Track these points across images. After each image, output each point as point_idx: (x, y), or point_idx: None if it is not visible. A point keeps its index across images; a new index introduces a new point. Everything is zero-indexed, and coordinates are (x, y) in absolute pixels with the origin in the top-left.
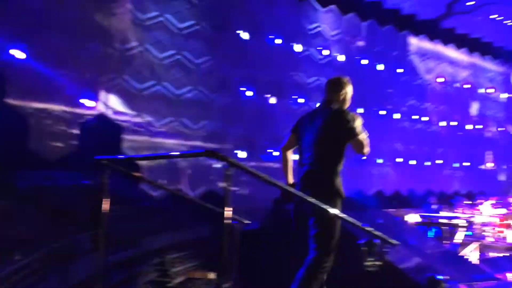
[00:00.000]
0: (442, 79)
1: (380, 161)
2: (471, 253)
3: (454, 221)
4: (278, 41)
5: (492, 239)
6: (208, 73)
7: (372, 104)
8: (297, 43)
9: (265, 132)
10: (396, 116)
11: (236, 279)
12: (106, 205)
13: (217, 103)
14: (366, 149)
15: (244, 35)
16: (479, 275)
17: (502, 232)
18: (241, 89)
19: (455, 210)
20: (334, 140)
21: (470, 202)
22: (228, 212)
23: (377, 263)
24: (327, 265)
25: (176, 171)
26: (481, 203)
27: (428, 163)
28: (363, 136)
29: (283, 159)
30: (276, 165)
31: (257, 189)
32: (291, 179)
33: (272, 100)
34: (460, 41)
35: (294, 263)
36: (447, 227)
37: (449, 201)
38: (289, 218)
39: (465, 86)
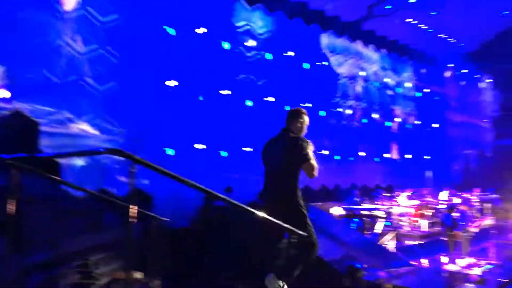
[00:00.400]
0: (363, 75)
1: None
2: (389, 242)
3: (374, 213)
4: (204, 35)
5: (408, 228)
6: (132, 68)
7: (300, 101)
8: (225, 40)
9: (195, 128)
10: (322, 113)
11: (165, 279)
12: (12, 206)
13: (143, 100)
14: (315, 172)
15: (171, 31)
16: (396, 262)
17: (416, 221)
18: (168, 85)
19: (376, 202)
20: (291, 164)
21: (389, 194)
22: (133, 210)
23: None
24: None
25: (103, 169)
26: (398, 195)
27: (352, 158)
28: (313, 161)
29: None
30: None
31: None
32: None
33: (200, 97)
34: (380, 43)
35: (222, 261)
36: (368, 219)
37: (371, 193)
38: (218, 216)
39: (386, 80)
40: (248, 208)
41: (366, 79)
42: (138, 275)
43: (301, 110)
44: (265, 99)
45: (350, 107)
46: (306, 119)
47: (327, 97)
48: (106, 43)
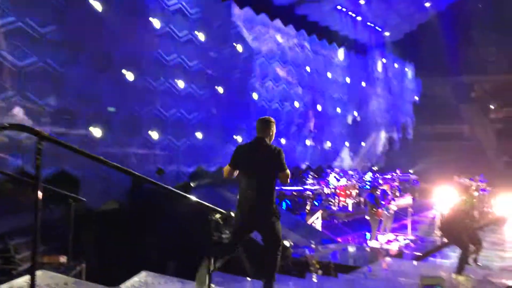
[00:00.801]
0: (293, 59)
1: (239, 138)
2: (317, 221)
3: (304, 194)
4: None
5: (335, 208)
6: (56, 44)
7: (236, 86)
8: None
9: (123, 109)
10: (255, 96)
11: (91, 261)
12: None
13: (67, 78)
14: (288, 181)
15: (97, 6)
16: (323, 240)
17: (343, 201)
18: (95, 64)
19: (305, 183)
20: (271, 172)
21: (317, 176)
22: (40, 188)
23: (225, 235)
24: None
25: (23, 149)
26: (326, 176)
27: (284, 141)
28: (287, 170)
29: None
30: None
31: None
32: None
33: (130, 77)
34: (311, 28)
35: (150, 241)
36: (298, 199)
37: (302, 175)
38: (146, 198)
39: (315, 64)
40: (177, 190)
41: (297, 64)
42: (62, 259)
43: (271, 120)
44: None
45: (278, 90)
46: (274, 128)
47: (260, 82)
48: (25, 15)
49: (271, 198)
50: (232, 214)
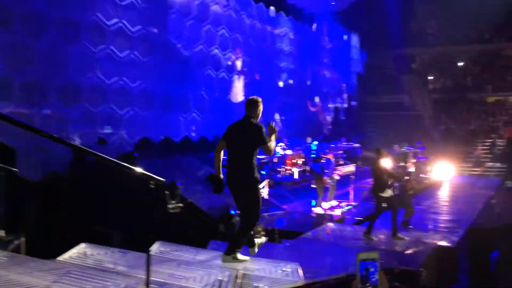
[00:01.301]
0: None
1: (187, 110)
2: (264, 189)
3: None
4: None
5: (282, 176)
6: None
7: (182, 54)
8: None
9: (60, 76)
10: (201, 65)
11: (31, 234)
12: None
13: None
14: (271, 153)
15: None
16: (270, 208)
17: (290, 170)
18: (29, 31)
19: None
20: (254, 145)
21: None
22: None
23: (179, 205)
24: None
25: None
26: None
27: (231, 111)
28: (271, 143)
29: (216, 157)
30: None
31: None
32: (220, 173)
33: (67, 42)
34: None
35: (93, 214)
36: None
37: None
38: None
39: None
40: (119, 162)
41: (243, 32)
42: (0, 233)
43: (258, 99)
44: None
45: (225, 59)
46: (261, 107)
47: (208, 51)
48: None
49: (251, 169)
50: (178, 184)
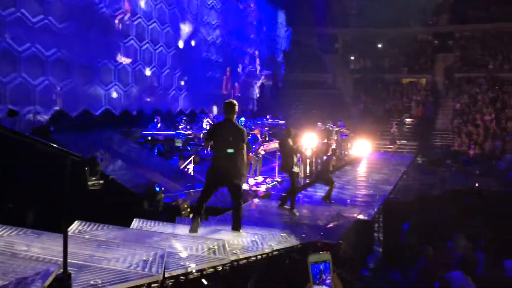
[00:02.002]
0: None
1: (108, 81)
2: (189, 166)
3: (176, 138)
4: None
5: (208, 152)
6: None
7: (103, 22)
8: None
9: None
10: (124, 34)
11: None
12: None
13: None
14: (251, 148)
15: None
16: (196, 184)
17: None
18: None
19: (178, 128)
20: (238, 143)
21: (190, 121)
22: None
23: (100, 181)
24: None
25: None
26: (200, 121)
27: (158, 86)
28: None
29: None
30: None
31: None
32: None
33: None
34: None
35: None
36: (170, 144)
37: (174, 119)
38: None
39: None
40: (32, 136)
41: (169, 3)
42: None
43: (234, 103)
44: None
45: (150, 30)
46: (237, 108)
47: (145, 28)
48: None
49: (238, 163)
50: (98, 159)
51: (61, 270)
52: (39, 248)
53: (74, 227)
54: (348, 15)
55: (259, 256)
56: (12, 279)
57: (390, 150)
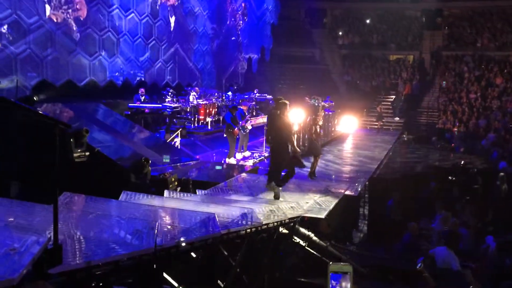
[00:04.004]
0: None
1: (93, 51)
2: (176, 139)
3: (163, 111)
4: None
5: (195, 126)
6: None
7: None
8: None
9: None
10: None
11: None
12: None
13: None
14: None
15: None
16: (183, 158)
17: (203, 119)
18: None
19: (165, 101)
20: (284, 130)
21: (176, 94)
22: None
23: (85, 153)
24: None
25: None
26: (187, 94)
27: (143, 57)
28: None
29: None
30: None
31: None
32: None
33: None
34: None
35: None
36: (157, 117)
37: (160, 92)
38: None
39: None
40: (24, 105)
41: None
42: None
43: (282, 101)
44: None
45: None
46: (286, 107)
47: None
48: None
49: (283, 145)
50: (84, 131)
51: (52, 241)
52: (26, 220)
53: (62, 198)
54: None
55: (249, 230)
56: (1, 251)
57: (376, 126)
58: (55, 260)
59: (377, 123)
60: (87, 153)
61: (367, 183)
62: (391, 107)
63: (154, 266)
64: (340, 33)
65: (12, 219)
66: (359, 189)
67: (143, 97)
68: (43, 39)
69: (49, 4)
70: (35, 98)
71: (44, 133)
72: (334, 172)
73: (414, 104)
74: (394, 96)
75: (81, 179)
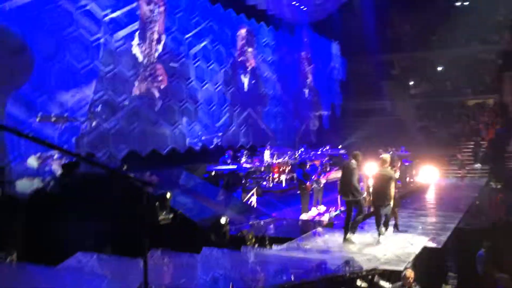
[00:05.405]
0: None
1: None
2: (252, 198)
3: (239, 172)
4: None
5: (269, 184)
6: None
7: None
8: None
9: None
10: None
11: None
12: None
13: None
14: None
15: None
16: (259, 216)
17: (277, 177)
18: None
19: (240, 162)
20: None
21: (251, 154)
22: None
23: (169, 216)
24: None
25: None
26: (260, 155)
27: (219, 123)
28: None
29: None
30: None
31: None
32: None
33: None
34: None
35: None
36: (233, 177)
37: (236, 154)
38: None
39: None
40: (128, 174)
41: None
42: None
43: (356, 155)
44: None
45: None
46: (358, 158)
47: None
48: None
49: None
50: (167, 195)
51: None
52: (119, 272)
53: (150, 254)
54: (400, 39)
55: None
56: None
57: (459, 175)
58: None
59: (460, 172)
60: (171, 216)
61: (453, 233)
62: (473, 153)
63: None
64: (411, 82)
65: (109, 272)
66: (444, 240)
67: (229, 161)
68: (131, 113)
69: (136, 78)
70: (124, 168)
71: (135, 197)
72: (416, 223)
73: (500, 149)
74: (475, 143)
75: (165, 239)
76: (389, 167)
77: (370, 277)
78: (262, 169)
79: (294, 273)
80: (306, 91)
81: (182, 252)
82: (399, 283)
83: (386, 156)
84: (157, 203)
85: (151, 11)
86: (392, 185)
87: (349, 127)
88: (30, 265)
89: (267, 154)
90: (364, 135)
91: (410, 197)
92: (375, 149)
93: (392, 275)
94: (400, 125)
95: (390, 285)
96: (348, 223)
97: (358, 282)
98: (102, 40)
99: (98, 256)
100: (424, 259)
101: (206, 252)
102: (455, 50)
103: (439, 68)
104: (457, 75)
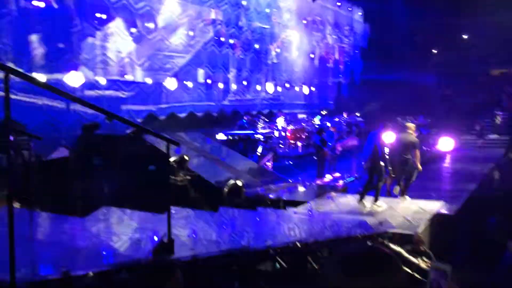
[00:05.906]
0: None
1: (190, 84)
2: (268, 163)
3: (255, 137)
4: None
5: (285, 150)
6: None
7: None
8: None
9: None
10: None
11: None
12: None
13: None
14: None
15: None
16: (274, 180)
17: (293, 143)
18: None
19: (257, 127)
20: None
21: (268, 120)
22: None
23: (186, 177)
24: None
25: None
26: (276, 120)
27: (235, 87)
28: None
29: None
30: None
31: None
32: None
33: None
34: None
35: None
36: (250, 142)
37: (253, 119)
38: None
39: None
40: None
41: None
42: (16, 204)
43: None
44: None
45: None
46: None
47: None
48: None
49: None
50: (186, 157)
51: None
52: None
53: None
54: (426, 6)
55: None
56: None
57: (478, 145)
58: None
59: (478, 141)
60: (189, 177)
61: (466, 202)
62: (492, 124)
63: None
64: (434, 50)
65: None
66: (457, 208)
67: (246, 125)
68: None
69: None
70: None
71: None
72: (430, 190)
73: None
74: (496, 112)
75: (183, 199)
76: (414, 135)
77: (380, 239)
78: (277, 134)
79: (304, 231)
80: (327, 57)
81: (200, 210)
82: (409, 247)
83: (411, 124)
84: (175, 165)
85: None
86: (417, 152)
87: (367, 94)
88: (60, 215)
89: (282, 119)
90: (383, 103)
91: (426, 165)
92: (394, 117)
93: (403, 239)
94: (421, 94)
95: (400, 248)
96: (367, 189)
97: (369, 243)
98: None
99: (121, 210)
100: (435, 225)
101: (223, 211)
102: (482, 18)
103: (465, 36)
104: (482, 44)
